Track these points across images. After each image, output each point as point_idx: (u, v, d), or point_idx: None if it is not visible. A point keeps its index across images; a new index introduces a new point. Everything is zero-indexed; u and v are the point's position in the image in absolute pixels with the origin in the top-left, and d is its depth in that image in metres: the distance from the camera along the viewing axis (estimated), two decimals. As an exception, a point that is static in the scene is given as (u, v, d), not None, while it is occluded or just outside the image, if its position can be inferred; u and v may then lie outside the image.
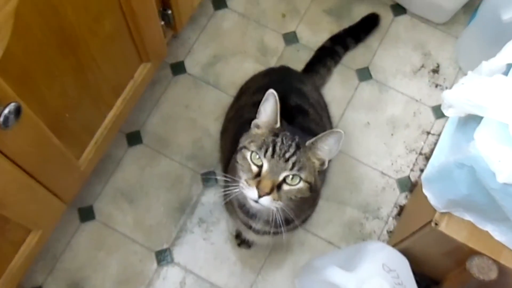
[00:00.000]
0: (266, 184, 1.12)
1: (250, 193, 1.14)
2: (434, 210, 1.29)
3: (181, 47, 1.91)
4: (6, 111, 0.98)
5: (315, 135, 1.15)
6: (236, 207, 1.34)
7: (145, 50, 1.52)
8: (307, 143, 1.14)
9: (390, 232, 1.74)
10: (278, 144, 1.13)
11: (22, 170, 1.20)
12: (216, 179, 1.77)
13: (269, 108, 1.15)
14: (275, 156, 1.12)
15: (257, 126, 1.19)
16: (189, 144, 1.80)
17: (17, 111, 1.01)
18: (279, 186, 1.13)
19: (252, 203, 1.16)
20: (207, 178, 1.77)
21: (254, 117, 1.20)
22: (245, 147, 1.16)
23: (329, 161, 1.19)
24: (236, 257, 1.69)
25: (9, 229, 1.32)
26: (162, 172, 1.77)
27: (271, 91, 1.12)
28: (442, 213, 1.28)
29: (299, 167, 1.13)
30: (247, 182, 1.14)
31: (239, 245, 1.70)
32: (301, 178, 1.13)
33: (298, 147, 1.13)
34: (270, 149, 1.12)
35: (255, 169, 1.14)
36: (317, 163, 1.17)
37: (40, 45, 1.07)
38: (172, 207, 1.74)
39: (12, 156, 1.11)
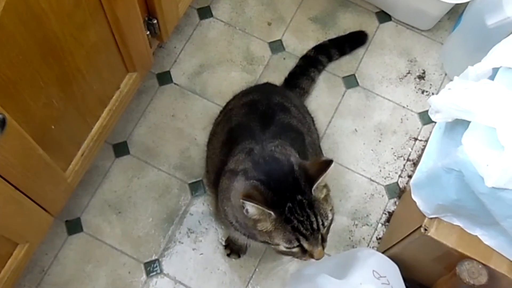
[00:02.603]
0: (319, 253, 1.14)
1: (310, 261, 1.17)
2: (423, 216, 1.29)
3: (167, 57, 1.90)
4: (-10, 123, 0.97)
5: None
6: (236, 225, 1.33)
7: (131, 60, 1.51)
8: (313, 191, 1.12)
9: (379, 239, 1.73)
10: (300, 226, 1.11)
11: (7, 183, 1.19)
12: (204, 190, 1.76)
13: (252, 211, 1.11)
14: (309, 237, 1.12)
15: (257, 220, 1.14)
16: (177, 154, 1.79)
17: (2, 123, 1.00)
18: (322, 238, 1.16)
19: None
20: (195, 188, 1.76)
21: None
22: (271, 244, 1.15)
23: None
24: (226, 267, 1.68)
25: (-5, 243, 1.30)
26: (149, 182, 1.76)
27: (242, 199, 1.08)
28: (431, 219, 1.28)
29: (326, 216, 1.14)
30: (300, 259, 1.17)
31: (228, 255, 1.69)
32: (329, 218, 1.15)
33: (311, 205, 1.12)
34: (301, 237, 1.12)
35: (297, 249, 1.15)
36: (324, 192, 1.17)
37: (24, 55, 1.06)
38: (161, 218, 1.72)
39: (-3, 168, 1.10)
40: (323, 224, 1.12)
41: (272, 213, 1.10)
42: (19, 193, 1.26)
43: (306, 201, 1.11)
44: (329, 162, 1.11)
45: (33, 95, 1.17)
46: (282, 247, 1.14)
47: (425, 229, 1.28)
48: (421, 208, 1.28)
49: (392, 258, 1.48)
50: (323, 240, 1.15)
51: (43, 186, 1.36)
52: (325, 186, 1.17)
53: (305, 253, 1.15)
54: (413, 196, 1.29)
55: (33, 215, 1.39)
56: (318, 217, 1.11)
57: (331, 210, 1.15)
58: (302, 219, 1.10)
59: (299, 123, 1.45)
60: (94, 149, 1.54)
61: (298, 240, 1.11)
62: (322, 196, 1.15)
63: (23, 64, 1.07)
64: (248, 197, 1.07)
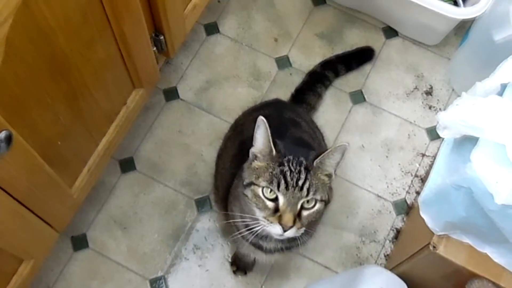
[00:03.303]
0: (289, 218, 1.11)
1: (274, 230, 1.13)
2: (432, 233, 1.27)
3: (173, 72, 1.89)
4: (-4, 139, 0.97)
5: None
6: (243, 231, 1.30)
7: (137, 76, 1.50)
8: (315, 162, 1.13)
9: (387, 256, 1.71)
10: (288, 173, 1.11)
11: (12, 198, 1.18)
12: (211, 206, 1.75)
13: (261, 134, 1.13)
14: (289, 187, 1.11)
15: (256, 157, 1.17)
16: (183, 170, 1.78)
17: (8, 139, 0.99)
18: (299, 215, 1.13)
19: (276, 237, 1.17)
20: (202, 204, 1.75)
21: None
22: (253, 184, 1.14)
23: (335, 171, 1.17)
24: (232, 284, 1.66)
25: (0, 259, 1.29)
26: (156, 198, 1.75)
27: (261, 118, 1.11)
28: (440, 236, 1.26)
29: (314, 191, 1.12)
30: (267, 219, 1.13)
31: (234, 272, 1.67)
32: (316, 200, 1.13)
33: (307, 170, 1.12)
34: (283, 181, 1.11)
35: (271, 204, 1.13)
36: (326, 179, 1.16)
37: (31, 72, 1.06)
38: (167, 234, 1.71)
39: (3, 184, 1.09)
40: (307, 190, 1.11)
41: (274, 150, 1.12)
42: (24, 208, 1.25)
43: (304, 163, 1.12)
44: (342, 145, 1.12)
45: (40, 111, 1.16)
46: (261, 188, 1.12)
47: (434, 247, 1.26)
48: (429, 225, 1.26)
49: (400, 275, 1.46)
50: (299, 216, 1.12)
51: (49, 202, 1.35)
52: (330, 176, 1.16)
53: (275, 213, 1.12)
54: (421, 213, 1.27)
55: (38, 231, 1.38)
56: (307, 182, 1.11)
57: (321, 195, 1.13)
58: (292, 169, 1.11)
59: (310, 138, 1.45)
60: (101, 165, 1.53)
61: (278, 185, 1.10)
62: (322, 178, 1.15)
63: (30, 80, 1.07)
64: (264, 123, 1.10)
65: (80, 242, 1.69)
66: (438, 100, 1.91)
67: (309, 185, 1.11)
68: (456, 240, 1.25)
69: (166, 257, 1.68)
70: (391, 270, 1.52)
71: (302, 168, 1.12)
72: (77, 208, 1.52)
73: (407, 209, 1.76)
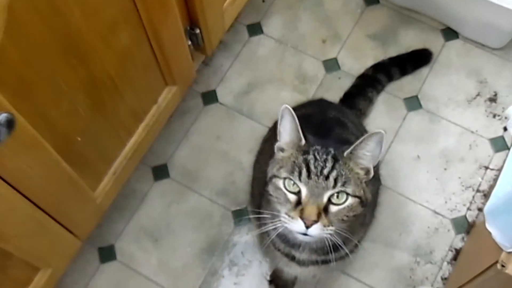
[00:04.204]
0: (311, 211, 0.99)
1: (296, 226, 1.01)
2: (500, 249, 1.11)
3: (213, 75, 1.81)
4: (-5, 121, 0.85)
5: None
6: (274, 238, 1.19)
7: (170, 71, 1.40)
8: (346, 153, 1.02)
9: (445, 279, 1.57)
10: (312, 161, 1.01)
11: (24, 197, 1.07)
12: (249, 218, 1.62)
13: (288, 125, 1.04)
14: (312, 176, 1.00)
15: (281, 149, 1.07)
16: (220, 179, 1.68)
17: (9, 123, 0.87)
18: (326, 210, 1.01)
19: (301, 237, 1.05)
20: (239, 216, 1.64)
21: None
22: (274, 176, 1.05)
23: (375, 167, 1.06)
24: (271, 305, 1.55)
25: (12, 266, 1.18)
26: (190, 209, 1.66)
27: (285, 106, 1.01)
28: (510, 253, 1.09)
29: (343, 182, 1.00)
30: (288, 215, 1.02)
31: None
32: (348, 194, 1.01)
33: (335, 159, 1.02)
34: (304, 170, 1.00)
35: (292, 197, 1.02)
36: (361, 173, 1.04)
37: (40, 50, 0.95)
38: (200, 248, 1.61)
39: (8, 177, 0.98)
40: (335, 181, 0.99)
41: (303, 139, 1.04)
42: (39, 210, 1.14)
43: (332, 153, 1.02)
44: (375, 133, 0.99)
45: (54, 99, 1.05)
46: (282, 180, 1.02)
47: (503, 265, 1.09)
48: (497, 240, 1.10)
49: (461, 300, 1.29)
50: (326, 212, 1.00)
51: (68, 205, 1.24)
52: (367, 171, 1.04)
53: (298, 206, 1.00)
54: (487, 226, 1.11)
55: (57, 237, 1.27)
56: (334, 171, 1.00)
57: (352, 188, 1.01)
58: (318, 158, 1.01)
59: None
60: (128, 169, 1.43)
61: (300, 174, 1.00)
62: (356, 171, 1.03)
63: (39, 60, 0.96)
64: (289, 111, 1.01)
65: (107, 254, 1.62)
66: (503, 108, 1.75)
67: (337, 175, 1.00)
68: (530, 258, 1.08)
69: (199, 272, 1.59)
70: (449, 294, 1.35)
71: (329, 157, 1.01)
72: (101, 215, 1.42)
73: (468, 227, 1.63)
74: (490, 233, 1.12)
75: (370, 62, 1.78)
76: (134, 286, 1.58)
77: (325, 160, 1.01)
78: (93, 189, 1.34)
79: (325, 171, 1.00)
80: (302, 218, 0.99)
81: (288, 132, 1.04)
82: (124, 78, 1.23)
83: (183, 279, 1.58)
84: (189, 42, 1.45)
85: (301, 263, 1.20)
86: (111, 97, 1.23)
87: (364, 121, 1.70)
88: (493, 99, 1.77)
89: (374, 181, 1.40)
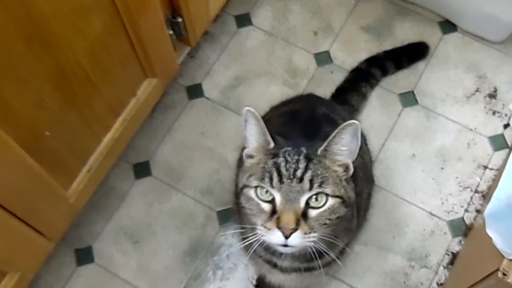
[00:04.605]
0: (288, 218, 0.92)
1: (274, 237, 0.94)
2: (501, 256, 1.05)
3: (198, 68, 1.73)
4: None
5: None
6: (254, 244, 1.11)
7: (149, 62, 1.32)
8: (319, 150, 0.96)
9: (440, 285, 1.52)
10: (282, 164, 0.94)
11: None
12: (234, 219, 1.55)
13: (253, 129, 0.97)
14: (284, 180, 0.93)
15: (250, 156, 1.00)
16: (205, 177, 1.62)
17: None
18: (305, 215, 0.94)
19: (282, 249, 0.99)
20: (224, 217, 1.57)
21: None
22: (245, 186, 0.98)
23: (354, 163, 0.98)
24: (256, 311, 1.49)
25: (-26, 270, 1.10)
26: (172, 209, 1.59)
27: (247, 109, 0.95)
28: (512, 260, 1.02)
29: (320, 182, 0.93)
30: (264, 227, 0.94)
31: None
32: (327, 195, 0.94)
33: (308, 159, 0.95)
34: (275, 174, 0.93)
35: (266, 206, 0.95)
36: (340, 170, 0.98)
37: (-2, 35, 0.86)
38: (183, 250, 1.55)
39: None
40: (310, 182, 0.92)
41: (272, 142, 0.97)
42: (2, 211, 1.05)
43: (305, 152, 0.95)
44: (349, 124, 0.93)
45: (17, 89, 0.97)
46: (253, 189, 0.95)
47: (504, 274, 1.03)
48: (498, 246, 1.04)
49: (458, 309, 1.22)
50: (306, 217, 0.93)
51: (36, 204, 1.16)
52: (346, 167, 0.98)
53: (273, 215, 0.93)
54: (487, 231, 1.06)
55: (24, 239, 1.19)
56: (308, 171, 0.93)
57: (332, 188, 0.94)
58: (289, 160, 0.94)
59: None
60: (105, 166, 1.36)
61: (271, 180, 0.92)
62: (334, 169, 0.97)
63: (-2, 47, 0.87)
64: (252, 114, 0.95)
65: (84, 256, 1.55)
66: (503, 104, 1.70)
67: (312, 175, 0.93)
68: (534, 266, 1.01)
69: (181, 276, 1.52)
70: (446, 301, 1.29)
71: (302, 157, 0.95)
72: (75, 215, 1.35)
73: (465, 230, 1.57)
74: (490, 238, 1.04)
75: (364, 56, 1.72)
76: None
77: (297, 161, 0.94)
78: (66, 188, 1.26)
79: (298, 173, 0.93)
80: (279, 227, 0.92)
81: (255, 136, 0.97)
82: (98, 69, 1.16)
83: (164, 283, 1.52)
84: (171, 32, 1.38)
85: (283, 270, 1.13)
86: (83, 89, 1.15)
87: (357, 118, 1.64)
88: (492, 95, 1.71)
89: (366, 182, 1.34)
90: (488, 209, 1.05)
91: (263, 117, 1.39)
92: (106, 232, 1.56)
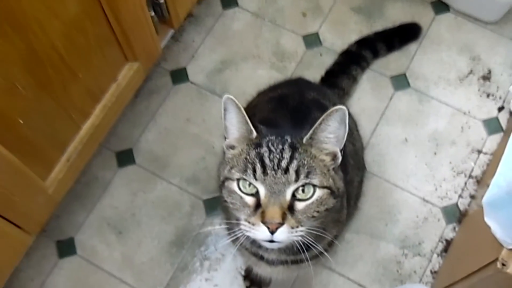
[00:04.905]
0: (274, 212, 0.88)
1: (259, 233, 0.90)
2: (500, 246, 1.02)
3: (183, 51, 1.70)
4: None
5: None
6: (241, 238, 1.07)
7: (130, 46, 1.28)
8: (305, 138, 0.91)
9: (434, 273, 1.49)
10: (266, 154, 0.89)
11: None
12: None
13: (234, 118, 0.92)
14: (268, 171, 0.88)
15: (231, 147, 0.95)
16: (191, 165, 1.59)
17: None
18: (291, 208, 0.89)
19: (268, 245, 0.94)
20: (211, 206, 1.54)
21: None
22: (227, 178, 0.93)
23: (342, 151, 0.94)
24: (245, 303, 1.45)
25: None
26: (157, 198, 1.56)
27: (227, 97, 0.90)
28: (512, 250, 0.98)
29: (306, 173, 0.89)
30: (248, 222, 0.90)
31: (248, 287, 1.47)
32: (314, 186, 0.89)
33: (294, 148, 0.90)
34: (259, 166, 0.89)
35: (250, 200, 0.90)
36: (327, 159, 0.93)
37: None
38: (169, 241, 1.52)
39: None
40: (296, 173, 0.88)
41: (254, 131, 0.92)
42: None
43: (289, 141, 0.91)
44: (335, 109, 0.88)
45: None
46: (235, 182, 0.90)
47: (503, 264, 1.00)
48: (497, 236, 1.01)
49: (454, 299, 1.19)
50: (292, 211, 0.89)
51: (11, 196, 1.11)
52: (334, 156, 0.93)
53: (257, 209, 0.89)
54: (486, 219, 1.03)
55: (1, 232, 1.12)
56: (294, 161, 0.89)
57: (319, 178, 0.90)
58: (273, 150, 0.90)
59: None
60: (85, 154, 1.32)
61: (254, 171, 0.88)
62: (321, 158, 0.92)
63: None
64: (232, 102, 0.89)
65: (66, 248, 1.51)
66: (497, 87, 1.67)
67: (298, 165, 0.89)
68: (534, 255, 0.99)
69: (167, 268, 1.49)
70: (440, 291, 1.28)
71: (286, 146, 0.90)
72: (54, 206, 1.31)
73: (459, 216, 1.55)
74: (489, 227, 1.00)
75: (354, 37, 1.69)
76: (96, 283, 1.48)
77: (282, 151, 0.89)
78: (43, 178, 1.22)
79: (283, 163, 0.88)
80: (264, 222, 0.87)
81: (236, 126, 0.92)
82: (74, 52, 1.11)
83: (149, 275, 1.49)
84: (152, 13, 1.33)
85: (270, 262, 1.09)
86: (59, 74, 1.09)
87: (348, 102, 1.62)
88: (486, 77, 1.68)
89: (357, 170, 1.29)
90: (487, 197, 1.01)
91: (250, 103, 1.39)
92: (88, 223, 1.53)
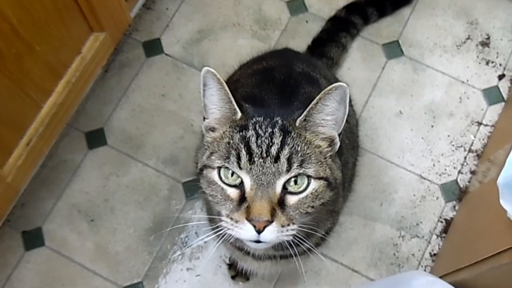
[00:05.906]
0: (261, 208, 0.79)
1: (243, 232, 0.81)
2: None
3: (156, 21, 1.63)
4: None
5: None
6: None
7: (94, 14, 1.19)
8: (298, 120, 0.82)
9: (434, 255, 1.45)
10: (253, 139, 0.80)
11: None
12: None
13: (215, 96, 0.82)
14: (255, 159, 0.79)
15: (211, 129, 0.85)
16: (167, 145, 1.53)
17: None
18: (282, 203, 0.80)
19: (253, 245, 0.85)
20: (192, 189, 1.48)
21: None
22: (206, 166, 0.84)
23: (340, 134, 0.85)
24: (230, 293, 1.39)
25: None
26: (132, 181, 1.51)
27: (206, 69, 0.81)
28: (532, 237, 0.90)
29: (300, 161, 0.80)
30: (231, 218, 0.80)
31: (233, 277, 1.43)
32: (309, 177, 0.80)
33: (285, 131, 0.81)
34: (244, 152, 0.80)
35: (233, 192, 0.82)
36: (323, 145, 0.83)
37: None
38: (146, 228, 1.47)
39: None
40: (288, 161, 0.79)
41: (238, 111, 0.83)
42: None
43: (280, 123, 0.82)
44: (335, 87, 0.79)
45: None
46: (215, 170, 0.81)
47: None
48: None
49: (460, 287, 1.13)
50: (282, 206, 0.79)
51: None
52: (331, 141, 0.84)
53: (242, 203, 0.79)
54: (502, 202, 0.93)
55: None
56: (286, 148, 0.80)
57: (315, 168, 0.81)
58: (261, 133, 0.81)
59: None
60: (48, 137, 1.23)
61: (239, 158, 0.79)
62: (316, 144, 0.83)
63: None
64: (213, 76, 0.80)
65: (33, 239, 1.46)
66: (497, 53, 1.62)
67: (290, 152, 0.80)
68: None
69: (144, 258, 1.45)
70: (442, 277, 1.23)
71: (277, 129, 0.81)
72: (15, 195, 1.25)
73: (459, 194, 1.51)
74: (505, 210, 0.90)
75: (342, 2, 1.63)
76: (67, 276, 1.42)
77: (271, 135, 0.80)
78: (0, 166, 1.11)
79: (273, 150, 0.79)
80: (250, 220, 0.77)
81: (217, 104, 0.82)
82: (29, 22, 1.01)
83: (125, 266, 1.44)
84: (118, -24, 1.20)
85: (257, 257, 1.01)
86: (12, 47, 0.99)
87: (337, 72, 1.57)
88: (485, 43, 1.64)
89: (352, 150, 1.22)
90: (503, 177, 0.92)
91: (232, 77, 1.28)
92: (57, 210, 1.47)
